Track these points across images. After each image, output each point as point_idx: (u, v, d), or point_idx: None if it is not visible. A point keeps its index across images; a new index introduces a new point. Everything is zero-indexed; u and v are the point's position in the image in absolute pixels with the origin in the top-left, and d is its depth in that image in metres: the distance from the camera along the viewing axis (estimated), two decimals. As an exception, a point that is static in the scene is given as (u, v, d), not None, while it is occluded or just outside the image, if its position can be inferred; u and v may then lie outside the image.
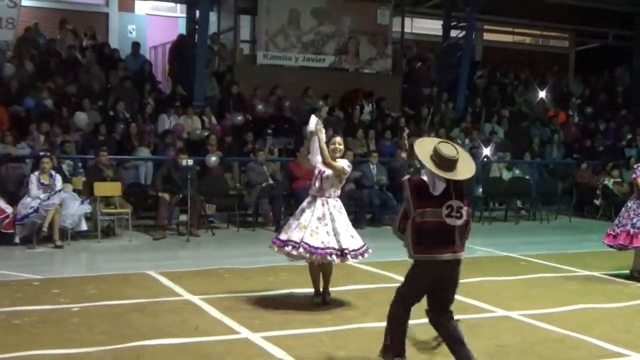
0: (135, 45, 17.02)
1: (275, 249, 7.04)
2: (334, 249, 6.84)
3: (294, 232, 6.91)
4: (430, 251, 4.81)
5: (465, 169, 4.87)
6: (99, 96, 14.87)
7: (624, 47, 22.59)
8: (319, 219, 6.89)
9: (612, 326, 6.55)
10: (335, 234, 6.88)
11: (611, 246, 8.92)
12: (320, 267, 7.07)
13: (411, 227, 4.85)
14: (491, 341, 6.00)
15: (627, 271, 8.90)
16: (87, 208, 10.88)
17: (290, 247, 6.85)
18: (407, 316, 5.01)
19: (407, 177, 5.00)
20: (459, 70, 18.48)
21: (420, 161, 4.82)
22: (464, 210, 4.84)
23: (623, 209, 8.90)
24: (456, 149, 4.84)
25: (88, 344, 5.63)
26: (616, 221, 8.96)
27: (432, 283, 4.94)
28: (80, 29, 16.83)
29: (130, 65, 16.43)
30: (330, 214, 6.94)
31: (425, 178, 4.87)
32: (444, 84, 18.78)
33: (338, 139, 7.13)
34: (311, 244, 6.78)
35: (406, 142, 5.16)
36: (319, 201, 6.96)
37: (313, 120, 7.05)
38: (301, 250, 6.81)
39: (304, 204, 7.07)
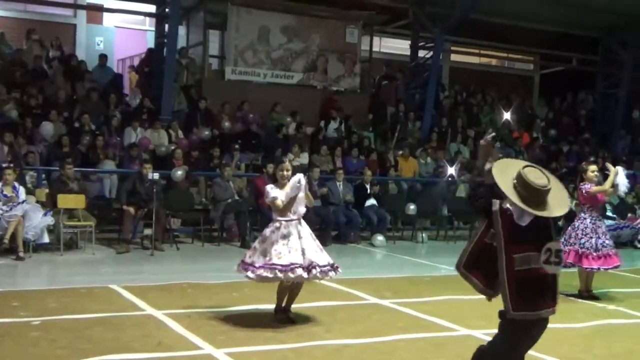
0: (102, 57, 16.92)
1: (279, 274, 6.76)
2: (328, 264, 7.02)
3: (293, 255, 6.81)
4: (533, 307, 3.92)
5: (558, 202, 3.89)
6: (64, 107, 14.74)
7: (587, 71, 23.03)
8: (306, 238, 6.96)
9: (573, 346, 6.62)
10: (321, 250, 7.07)
11: None
12: (293, 285, 7.05)
13: (507, 277, 3.88)
14: (455, 359, 6.03)
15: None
16: (50, 220, 10.75)
17: (301, 270, 6.78)
18: None
19: (497, 203, 3.91)
20: (426, 90, 18.66)
21: (501, 190, 3.84)
22: (562, 254, 3.93)
23: (570, 228, 9.00)
24: (546, 175, 3.90)
25: (48, 358, 5.55)
26: (561, 239, 9.08)
27: (529, 347, 4.12)
28: (47, 39, 16.70)
29: (97, 77, 16.33)
30: (310, 233, 7.08)
31: (508, 206, 3.89)
32: (411, 104, 18.95)
33: (286, 164, 7.14)
34: (320, 263, 6.89)
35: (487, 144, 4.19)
36: (299, 223, 7.00)
37: (300, 178, 7.04)
38: (314, 271, 6.87)
39: (282, 230, 6.92)
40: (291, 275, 6.76)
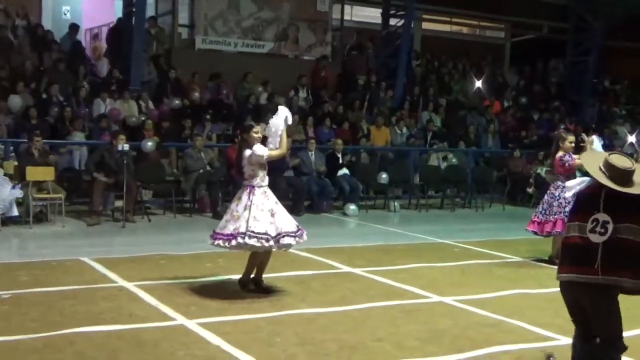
0: (74, 28, 16.58)
1: (274, 248, 6.87)
2: (297, 227, 7.06)
3: (285, 223, 6.85)
4: (564, 270, 4.24)
5: None
6: (31, 78, 14.50)
7: (558, 39, 23.10)
8: (276, 203, 6.98)
9: (542, 311, 6.70)
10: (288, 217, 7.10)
11: (536, 233, 9.12)
12: (264, 254, 7.03)
13: (562, 243, 4.39)
14: (426, 326, 6.09)
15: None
16: (18, 193, 10.60)
17: (295, 238, 6.91)
18: (576, 339, 4.40)
19: None
20: (398, 59, 18.61)
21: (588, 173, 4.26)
22: (610, 225, 4.04)
23: (548, 197, 9.04)
24: (630, 160, 4.21)
25: (19, 331, 5.50)
26: (540, 208, 9.13)
27: (571, 308, 4.36)
28: (12, 9, 16.35)
29: (66, 47, 16.06)
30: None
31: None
32: (382, 72, 18.91)
33: (257, 127, 7.10)
34: (290, 230, 6.91)
35: None
36: (269, 190, 6.98)
37: (287, 112, 7.07)
38: (304, 237, 7.03)
39: (262, 197, 6.85)
40: (286, 241, 6.82)
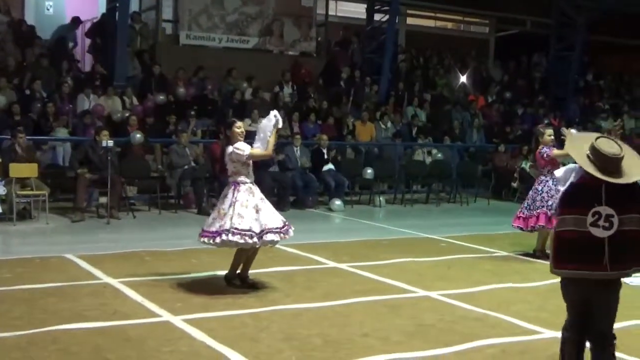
0: (77, 20, 16.40)
1: (258, 245, 6.81)
2: (284, 223, 7.05)
3: (270, 219, 6.83)
4: (568, 266, 4.10)
5: (634, 168, 4.00)
6: (14, 74, 14.38)
7: (541, 34, 23.18)
8: (262, 199, 6.95)
9: (527, 304, 6.73)
10: (274, 212, 7.05)
11: (522, 229, 9.16)
12: (251, 250, 7.01)
13: (553, 236, 4.24)
14: (412, 320, 6.10)
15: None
16: (1, 190, 10.51)
17: (280, 234, 6.88)
18: (572, 340, 4.27)
19: None
20: (383, 54, 18.62)
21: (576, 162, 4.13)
22: (615, 219, 3.93)
23: (532, 193, 9.10)
24: (619, 144, 4.03)
25: (2, 329, 5.46)
26: (525, 204, 9.17)
27: (575, 303, 4.21)
28: (-6, 4, 16.24)
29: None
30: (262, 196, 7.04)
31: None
32: (367, 68, 18.91)
33: (240, 123, 7.09)
34: (275, 226, 6.88)
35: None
36: (254, 187, 6.95)
37: (276, 114, 7.04)
38: (290, 233, 7.00)
39: (246, 194, 6.84)
40: (273, 237, 6.80)
